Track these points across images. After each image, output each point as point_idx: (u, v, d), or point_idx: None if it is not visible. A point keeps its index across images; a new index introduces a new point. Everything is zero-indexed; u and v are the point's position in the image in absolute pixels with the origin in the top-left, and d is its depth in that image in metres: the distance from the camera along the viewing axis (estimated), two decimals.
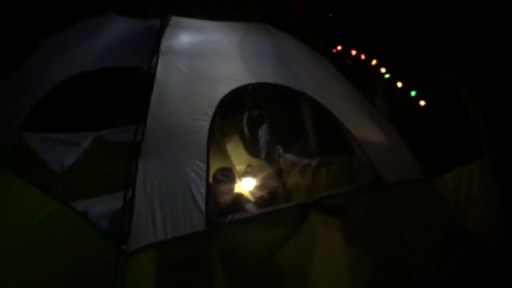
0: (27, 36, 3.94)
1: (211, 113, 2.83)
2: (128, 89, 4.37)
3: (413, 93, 4.48)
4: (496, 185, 4.04)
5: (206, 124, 2.77)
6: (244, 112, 4.69)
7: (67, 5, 4.20)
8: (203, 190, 2.53)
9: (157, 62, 2.82)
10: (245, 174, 4.71)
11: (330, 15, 6.92)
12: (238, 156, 4.96)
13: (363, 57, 4.70)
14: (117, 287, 2.18)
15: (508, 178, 4.10)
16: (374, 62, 4.71)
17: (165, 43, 2.97)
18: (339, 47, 4.79)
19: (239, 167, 4.81)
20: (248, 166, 4.80)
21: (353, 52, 4.67)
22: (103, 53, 3.87)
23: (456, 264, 3.54)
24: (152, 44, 3.25)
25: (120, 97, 4.73)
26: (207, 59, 3.15)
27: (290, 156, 4.56)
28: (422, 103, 4.43)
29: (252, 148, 4.89)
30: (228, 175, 3.97)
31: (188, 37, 3.18)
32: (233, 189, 3.99)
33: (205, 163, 2.64)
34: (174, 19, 3.19)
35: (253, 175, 4.67)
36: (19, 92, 3.89)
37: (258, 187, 4.49)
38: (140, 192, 2.41)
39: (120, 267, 2.20)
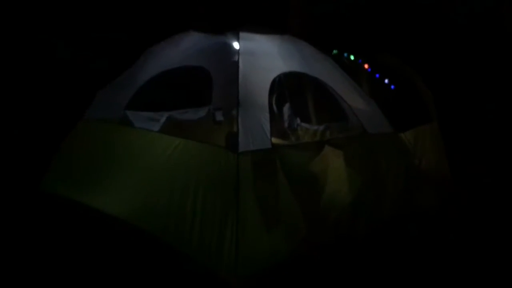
0: (141, 47, 5.36)
1: (268, 88, 4.27)
2: (192, 82, 6.01)
3: (386, 81, 6.03)
4: (441, 141, 5.64)
5: (266, 94, 4.21)
6: (273, 96, 5.86)
7: (165, 27, 5.86)
8: (268, 127, 4.01)
9: (239, 58, 4.26)
10: None
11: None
12: None
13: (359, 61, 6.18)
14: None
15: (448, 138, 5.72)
16: (366, 66, 6.16)
17: (240, 47, 4.40)
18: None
19: None
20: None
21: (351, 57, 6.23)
22: (181, 57, 5.27)
23: (412, 186, 5.00)
24: (215, 51, 4.92)
25: (186, 87, 6.40)
26: (261, 56, 4.51)
27: (304, 125, 5.96)
28: (392, 87, 5.98)
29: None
30: None
31: (249, 44, 4.54)
32: None
33: (268, 114, 4.07)
34: (242, 34, 4.57)
35: None
36: (127, 84, 5.20)
37: None
38: (240, 125, 3.89)
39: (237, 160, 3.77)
